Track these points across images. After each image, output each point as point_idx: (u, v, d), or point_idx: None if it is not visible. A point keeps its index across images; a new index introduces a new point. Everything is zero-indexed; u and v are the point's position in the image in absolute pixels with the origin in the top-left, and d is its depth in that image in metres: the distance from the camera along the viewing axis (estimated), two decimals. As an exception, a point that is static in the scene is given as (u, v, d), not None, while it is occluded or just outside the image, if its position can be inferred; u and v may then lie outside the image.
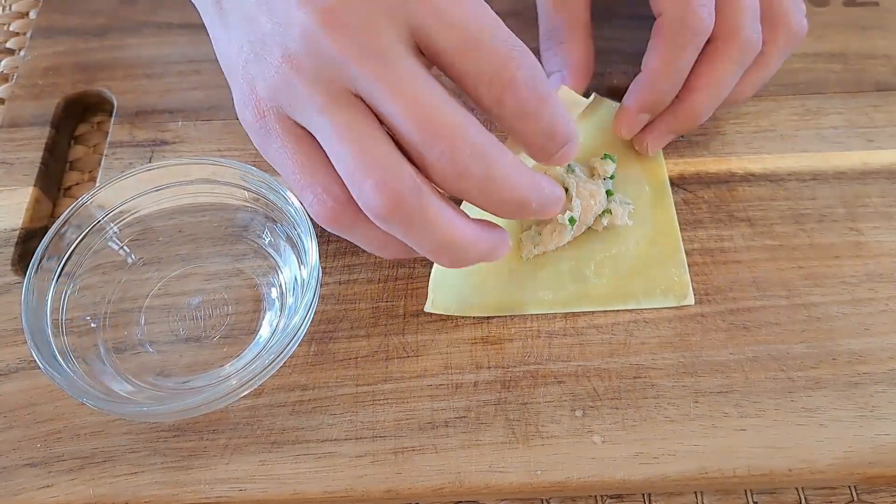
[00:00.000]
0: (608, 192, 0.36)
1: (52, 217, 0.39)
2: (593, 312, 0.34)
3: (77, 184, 0.41)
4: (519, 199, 0.27)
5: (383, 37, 0.25)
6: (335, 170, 0.26)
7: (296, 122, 0.27)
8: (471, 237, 0.27)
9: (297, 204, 0.32)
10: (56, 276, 0.33)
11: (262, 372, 0.30)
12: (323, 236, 0.36)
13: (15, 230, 0.37)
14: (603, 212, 0.35)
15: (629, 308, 0.34)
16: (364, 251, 0.36)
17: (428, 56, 0.26)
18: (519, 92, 0.26)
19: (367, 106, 0.26)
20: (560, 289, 0.34)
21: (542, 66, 0.35)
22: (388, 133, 0.26)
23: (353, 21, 0.25)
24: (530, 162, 0.30)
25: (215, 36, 0.30)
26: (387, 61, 0.25)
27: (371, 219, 0.26)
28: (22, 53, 0.45)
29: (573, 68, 0.36)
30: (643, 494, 0.32)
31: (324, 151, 0.27)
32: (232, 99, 0.29)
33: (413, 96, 0.25)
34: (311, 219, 0.29)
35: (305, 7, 0.25)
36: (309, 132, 0.27)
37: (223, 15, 0.29)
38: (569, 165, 0.35)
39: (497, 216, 0.28)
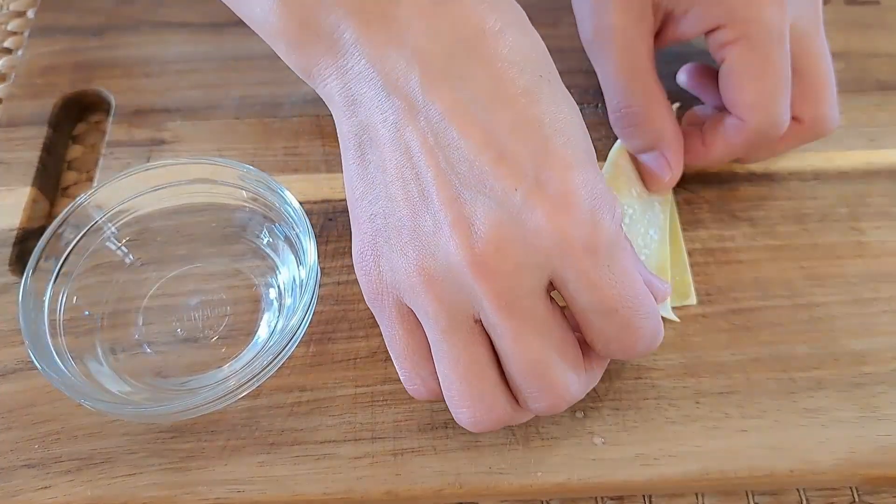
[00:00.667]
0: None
1: (50, 217, 0.39)
2: (594, 313, 0.34)
3: (75, 183, 0.41)
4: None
5: (525, 286, 0.25)
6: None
7: (412, 312, 0.27)
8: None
9: (295, 204, 0.32)
10: (54, 277, 0.32)
11: (260, 373, 0.30)
12: (322, 237, 0.36)
13: (12, 230, 0.37)
14: None
15: None
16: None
17: (559, 290, 0.26)
18: (633, 353, 0.27)
19: (485, 331, 0.26)
20: None
21: (622, 134, 0.36)
22: (495, 360, 0.27)
23: (503, 269, 0.24)
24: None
25: (348, 173, 0.27)
26: (521, 308, 0.25)
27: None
28: (19, 53, 0.45)
29: (673, 151, 0.35)
30: (644, 496, 0.32)
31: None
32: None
33: (530, 346, 0.25)
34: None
35: (459, 240, 0.24)
36: (422, 326, 0.27)
37: (363, 163, 0.26)
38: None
39: None
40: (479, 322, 0.26)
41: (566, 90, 0.26)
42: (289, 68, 0.27)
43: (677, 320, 0.33)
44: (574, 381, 0.27)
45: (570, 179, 0.24)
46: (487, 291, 0.24)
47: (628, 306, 0.26)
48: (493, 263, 0.24)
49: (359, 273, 0.27)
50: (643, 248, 0.35)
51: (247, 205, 0.35)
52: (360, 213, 0.27)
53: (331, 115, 0.28)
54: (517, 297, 0.25)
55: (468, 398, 0.26)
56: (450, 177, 0.24)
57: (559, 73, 0.27)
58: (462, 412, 0.27)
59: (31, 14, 0.48)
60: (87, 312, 0.33)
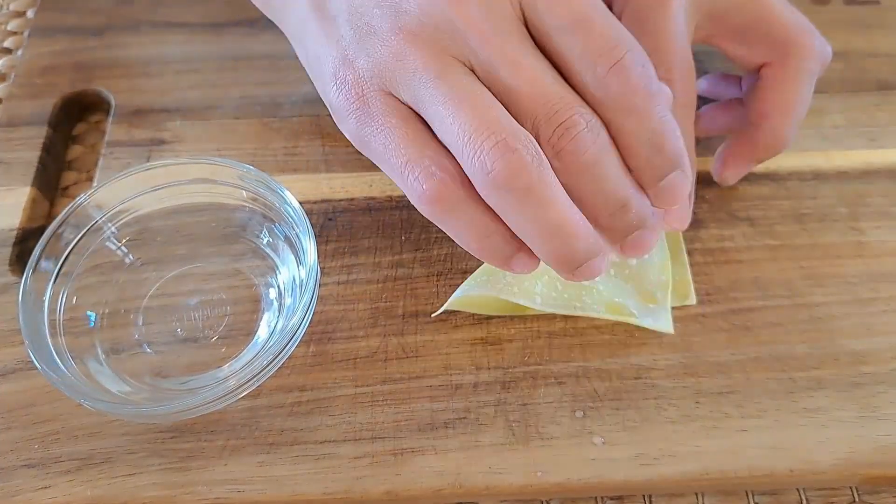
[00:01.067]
0: None
1: (50, 217, 0.39)
2: (594, 312, 0.34)
3: (75, 183, 0.41)
4: (618, 199, 0.26)
5: (502, 13, 0.25)
6: (443, 145, 0.26)
7: (400, 100, 0.26)
8: (583, 228, 0.26)
9: (295, 204, 0.32)
10: (54, 277, 0.32)
11: (260, 373, 0.30)
12: (321, 236, 0.36)
13: (12, 230, 0.37)
14: None
15: (632, 310, 0.33)
16: (364, 252, 0.36)
17: (535, 36, 0.26)
18: (627, 75, 0.25)
19: (479, 79, 0.26)
20: (563, 290, 0.34)
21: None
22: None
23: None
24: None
25: (308, 31, 0.28)
26: (507, 37, 0.25)
27: (484, 189, 0.25)
28: (19, 53, 0.45)
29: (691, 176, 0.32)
30: (644, 495, 0.32)
31: (430, 130, 0.26)
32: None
33: (532, 73, 0.25)
34: (414, 200, 0.26)
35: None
36: (414, 111, 0.26)
37: (322, 9, 0.28)
38: None
39: (593, 210, 0.27)
40: (471, 69, 0.25)
41: None
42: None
43: (672, 332, 0.33)
44: (586, 108, 0.25)
45: None
46: (471, 21, 0.25)
47: (598, 21, 0.25)
48: None
49: (335, 100, 0.27)
50: None
51: (246, 205, 0.35)
52: (324, 47, 0.27)
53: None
54: (501, 25, 0.25)
55: (488, 128, 0.24)
56: None
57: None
58: (487, 144, 0.24)
59: (30, 14, 0.48)
60: (87, 312, 0.33)
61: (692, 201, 0.33)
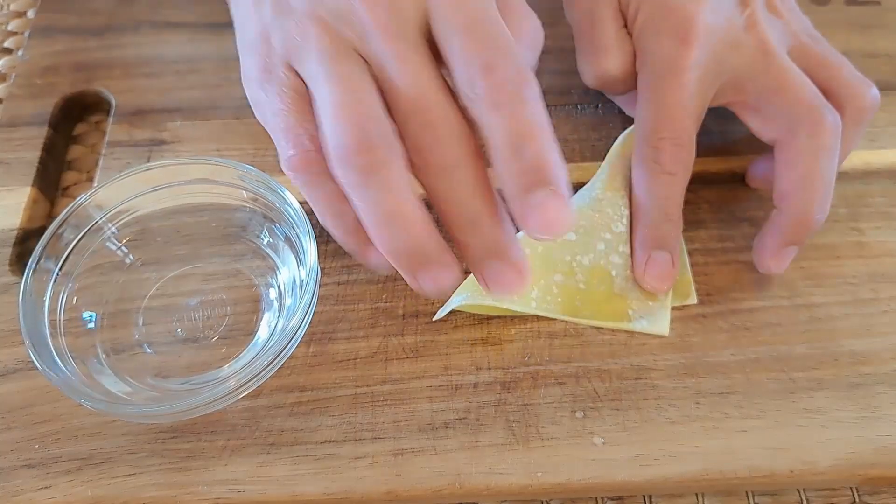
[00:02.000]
0: None
1: (50, 217, 0.39)
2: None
3: (75, 184, 0.41)
4: (469, 212, 0.26)
5: (405, 14, 0.26)
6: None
7: (299, 77, 0.28)
8: (423, 225, 0.26)
9: (295, 204, 0.32)
10: (54, 277, 0.32)
11: (260, 373, 0.30)
12: (322, 237, 0.36)
13: (13, 230, 0.37)
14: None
15: (630, 308, 0.34)
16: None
17: (436, 41, 0.26)
18: (497, 74, 0.25)
19: (370, 72, 0.27)
20: (559, 295, 0.34)
21: None
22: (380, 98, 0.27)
23: None
24: None
25: (241, 4, 0.30)
26: (405, 38, 0.26)
27: (332, 163, 0.26)
28: (20, 53, 0.45)
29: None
30: (644, 496, 0.32)
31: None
32: (230, 98, 0.29)
33: (414, 72, 0.26)
34: (282, 164, 0.28)
35: None
36: (309, 91, 0.28)
37: None
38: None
39: (447, 218, 0.26)
40: (364, 61, 0.27)
41: None
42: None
43: (667, 335, 0.33)
44: (461, 122, 0.26)
45: None
46: (376, 15, 0.26)
47: (489, 28, 0.26)
48: None
49: (248, 70, 0.29)
50: None
51: (247, 205, 0.35)
52: (251, 22, 0.29)
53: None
54: (402, 26, 0.26)
55: (351, 107, 0.26)
56: None
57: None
58: (342, 120, 0.26)
59: (31, 14, 0.48)
60: (87, 313, 0.33)
61: (687, 272, 0.34)
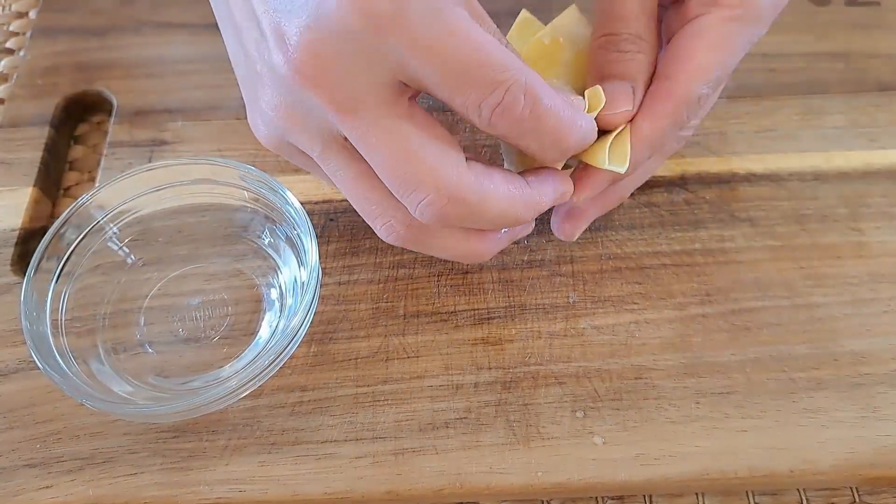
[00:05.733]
0: None
1: (52, 217, 0.39)
2: (594, 313, 0.34)
3: (77, 184, 0.41)
4: (507, 222, 0.28)
5: (360, 84, 0.24)
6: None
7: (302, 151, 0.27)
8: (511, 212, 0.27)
9: (297, 204, 0.32)
10: (55, 277, 0.32)
11: (261, 373, 0.30)
12: (322, 237, 0.36)
13: (14, 230, 0.37)
14: None
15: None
16: (365, 252, 0.36)
17: (416, 88, 0.25)
18: (510, 115, 0.25)
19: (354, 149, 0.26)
20: None
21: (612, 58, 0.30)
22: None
23: (329, 70, 0.23)
24: None
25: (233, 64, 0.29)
26: (363, 112, 0.24)
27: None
28: (21, 53, 0.45)
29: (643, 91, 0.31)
30: (644, 496, 0.32)
31: None
32: (231, 98, 0.29)
33: (389, 149, 0.25)
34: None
35: (280, 54, 0.24)
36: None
37: (229, 9, 0.28)
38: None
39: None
40: (347, 139, 0.25)
41: None
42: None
43: (621, 171, 0.29)
44: (452, 164, 0.25)
45: None
46: (325, 99, 0.24)
47: (473, 72, 0.24)
48: (316, 68, 0.23)
49: (254, 129, 0.28)
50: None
51: (248, 205, 0.35)
52: (236, 58, 0.28)
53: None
54: (357, 100, 0.24)
55: (370, 211, 0.27)
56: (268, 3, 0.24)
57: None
58: (376, 226, 0.28)
59: (33, 15, 0.48)
60: (88, 312, 0.33)
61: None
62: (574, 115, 0.27)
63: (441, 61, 0.23)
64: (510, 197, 0.27)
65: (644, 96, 0.30)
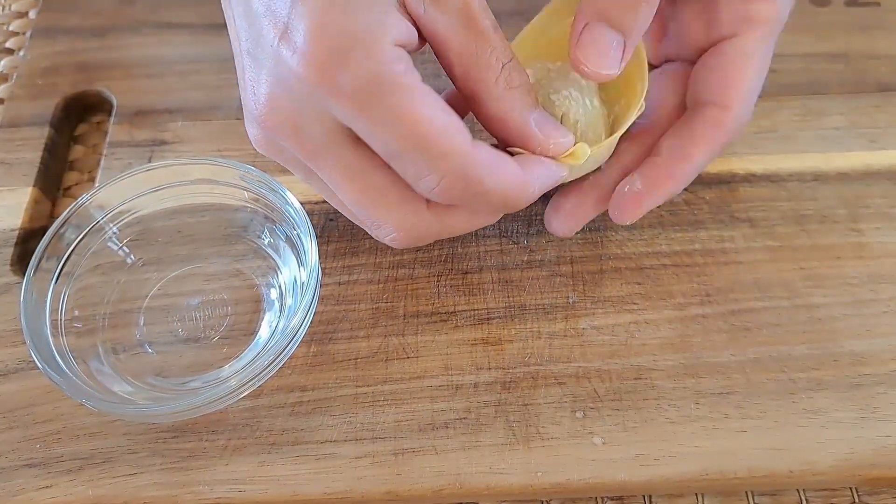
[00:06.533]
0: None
1: (52, 217, 0.39)
2: (594, 313, 0.34)
3: (76, 184, 0.41)
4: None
5: (316, 136, 0.26)
6: None
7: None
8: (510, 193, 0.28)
9: (296, 204, 0.32)
10: (55, 277, 0.32)
11: (261, 373, 0.30)
12: (322, 237, 0.36)
13: (14, 230, 0.37)
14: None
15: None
16: (365, 252, 0.36)
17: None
18: (449, 195, 0.26)
19: None
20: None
21: None
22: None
23: (286, 125, 0.26)
24: None
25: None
26: (324, 156, 0.26)
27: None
28: (21, 53, 0.45)
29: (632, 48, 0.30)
30: (644, 496, 0.32)
31: None
32: (231, 99, 0.29)
33: (345, 190, 0.27)
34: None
35: (249, 108, 0.27)
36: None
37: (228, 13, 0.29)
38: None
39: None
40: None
41: None
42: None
43: (578, 163, 0.29)
44: (410, 220, 0.27)
45: (312, 21, 0.23)
46: (292, 146, 0.26)
47: (412, 148, 0.24)
48: (272, 122, 0.26)
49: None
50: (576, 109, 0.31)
51: (248, 205, 0.35)
52: (235, 52, 0.29)
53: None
54: (315, 146, 0.26)
55: (363, 222, 0.29)
56: (244, 45, 0.26)
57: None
58: (381, 232, 0.29)
59: (32, 15, 0.48)
60: (88, 312, 0.33)
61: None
62: (525, 181, 0.27)
63: (384, 136, 0.25)
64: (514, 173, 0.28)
65: (697, 125, 0.31)
